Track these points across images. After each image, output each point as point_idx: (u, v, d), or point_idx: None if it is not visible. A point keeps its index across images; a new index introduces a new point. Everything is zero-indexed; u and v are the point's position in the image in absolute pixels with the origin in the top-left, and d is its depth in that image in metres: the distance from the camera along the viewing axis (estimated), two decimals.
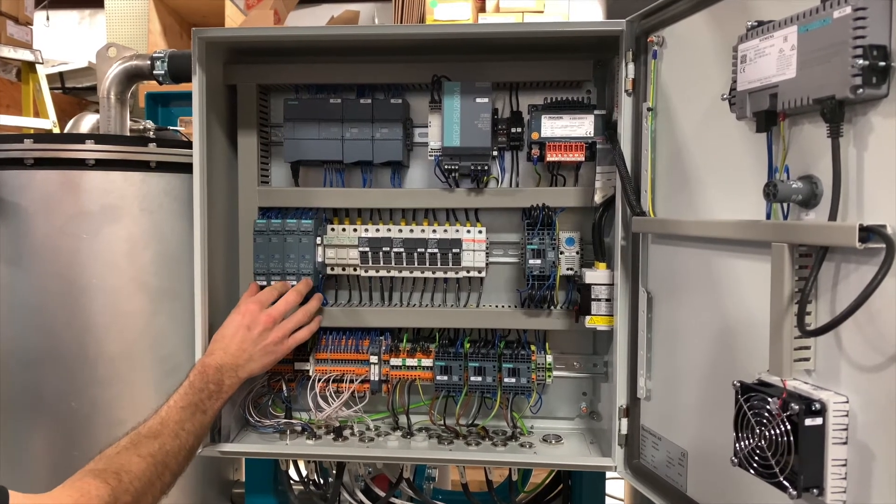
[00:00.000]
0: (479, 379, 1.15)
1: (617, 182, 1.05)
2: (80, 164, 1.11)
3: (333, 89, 1.20)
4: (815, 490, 0.66)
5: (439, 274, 1.18)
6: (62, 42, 3.99)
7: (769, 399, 0.69)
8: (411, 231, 1.17)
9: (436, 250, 1.16)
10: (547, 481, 1.34)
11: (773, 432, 0.67)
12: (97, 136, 1.15)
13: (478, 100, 1.11)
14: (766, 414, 0.69)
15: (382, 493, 1.26)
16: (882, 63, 0.60)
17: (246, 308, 1.08)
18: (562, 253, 1.16)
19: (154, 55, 1.22)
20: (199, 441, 0.99)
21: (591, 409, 1.25)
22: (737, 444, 0.73)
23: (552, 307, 1.16)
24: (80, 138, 1.13)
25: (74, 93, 3.70)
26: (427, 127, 1.16)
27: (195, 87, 1.07)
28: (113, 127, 1.26)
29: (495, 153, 1.17)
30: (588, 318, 1.11)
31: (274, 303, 1.10)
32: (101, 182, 1.13)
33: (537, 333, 1.22)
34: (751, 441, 0.71)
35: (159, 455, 0.89)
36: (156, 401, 0.97)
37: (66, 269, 1.13)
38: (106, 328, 1.15)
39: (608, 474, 1.24)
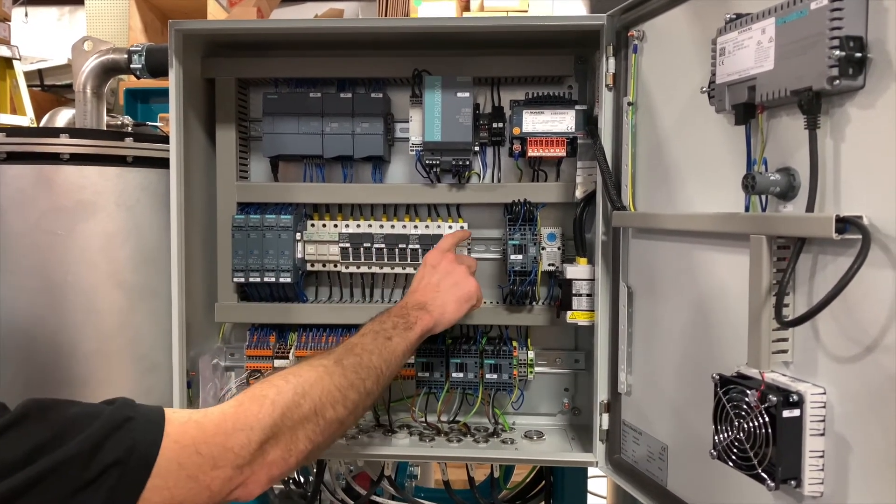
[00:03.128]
0: (461, 375, 1.15)
1: (598, 177, 1.05)
2: (54, 158, 1.09)
3: (313, 83, 1.19)
4: (792, 481, 0.66)
5: None
6: (41, 39, 3.93)
7: (748, 391, 0.68)
8: (392, 227, 1.17)
9: (417, 246, 1.15)
10: (529, 478, 1.34)
11: (751, 424, 0.67)
12: (72, 130, 1.12)
13: (459, 94, 1.10)
14: (745, 406, 0.69)
15: (364, 492, 1.25)
16: (858, 54, 0.60)
17: (459, 271, 1.05)
18: (543, 248, 1.15)
19: (131, 49, 1.20)
20: (386, 364, 0.89)
21: (573, 404, 1.24)
22: (716, 437, 0.73)
23: (534, 303, 1.16)
24: (54, 132, 1.10)
25: (53, 90, 3.65)
26: (408, 122, 1.15)
27: (172, 80, 1.06)
28: (89, 121, 1.23)
29: (477, 148, 1.17)
30: (569, 313, 1.10)
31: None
32: (75, 177, 1.11)
33: (519, 329, 1.21)
34: (729, 433, 0.71)
35: (332, 366, 0.82)
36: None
37: (41, 265, 1.10)
38: (81, 326, 1.13)
39: (590, 471, 1.24)
